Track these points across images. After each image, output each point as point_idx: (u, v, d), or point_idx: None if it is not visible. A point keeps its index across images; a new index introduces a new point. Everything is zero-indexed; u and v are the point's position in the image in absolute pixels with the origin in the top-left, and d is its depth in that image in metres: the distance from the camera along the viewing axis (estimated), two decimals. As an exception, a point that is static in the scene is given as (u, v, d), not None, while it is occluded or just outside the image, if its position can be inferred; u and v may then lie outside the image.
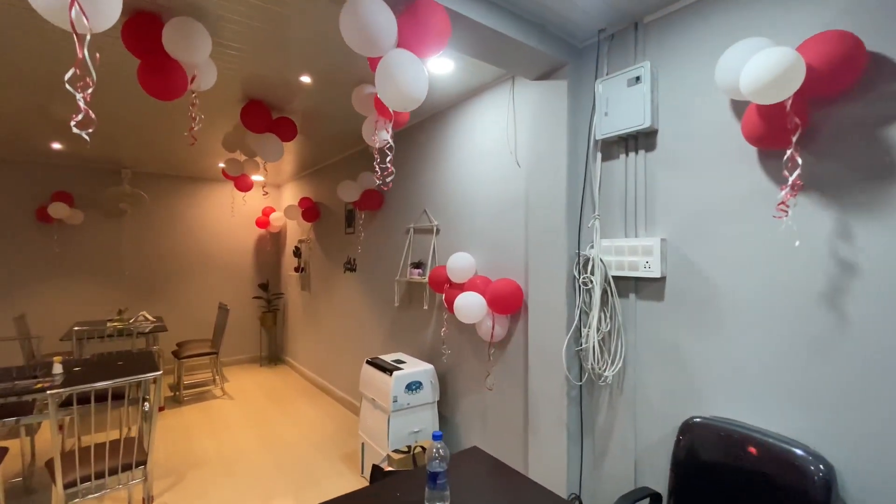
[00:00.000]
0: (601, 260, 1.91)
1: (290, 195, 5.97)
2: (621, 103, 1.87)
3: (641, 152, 1.87)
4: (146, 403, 2.66)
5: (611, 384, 1.95)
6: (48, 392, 1.93)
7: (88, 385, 2.03)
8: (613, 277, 1.91)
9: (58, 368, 2.74)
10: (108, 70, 2.51)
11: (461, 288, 2.68)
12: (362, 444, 2.98)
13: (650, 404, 1.82)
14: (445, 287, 2.75)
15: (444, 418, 2.93)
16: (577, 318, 2.03)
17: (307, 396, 4.74)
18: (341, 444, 3.53)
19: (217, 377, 5.07)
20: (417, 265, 3.17)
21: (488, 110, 2.67)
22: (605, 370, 1.91)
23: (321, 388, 4.89)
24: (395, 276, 3.53)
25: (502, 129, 2.58)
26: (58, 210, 4.59)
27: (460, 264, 2.64)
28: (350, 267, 4.31)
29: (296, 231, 5.78)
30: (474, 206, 2.76)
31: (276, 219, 5.96)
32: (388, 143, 2.61)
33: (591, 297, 1.95)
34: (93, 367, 2.92)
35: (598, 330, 1.90)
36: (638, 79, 1.82)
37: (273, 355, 6.31)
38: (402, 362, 2.93)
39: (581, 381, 2.04)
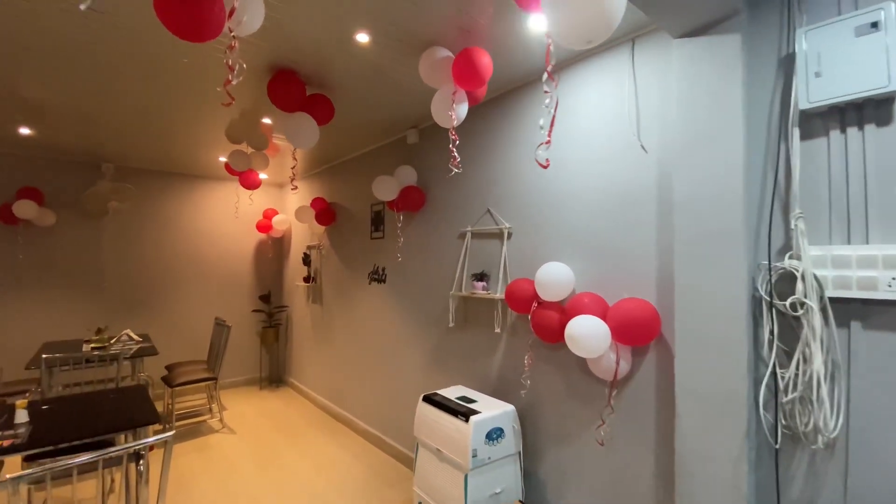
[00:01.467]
0: (814, 275, 1.37)
1: (296, 196, 5.31)
2: (845, 60, 1.35)
3: (870, 126, 1.35)
4: (141, 463, 2.00)
5: (818, 446, 1.41)
6: (7, 478, 1.27)
7: (64, 462, 1.38)
8: (830, 299, 1.38)
9: (22, 416, 2.05)
10: (88, 41, 1.89)
11: (558, 309, 2.12)
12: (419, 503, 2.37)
13: (881, 475, 1.29)
14: (534, 306, 2.19)
15: (527, 474, 2.35)
16: (769, 353, 1.49)
17: (321, 428, 4.07)
18: (380, 495, 2.89)
19: (214, 405, 4.36)
20: (480, 277, 2.59)
21: (590, 84, 2.14)
22: (820, 427, 1.37)
23: (336, 417, 4.23)
24: (446, 289, 2.94)
25: (614, 107, 2.04)
26: (25, 209, 3.84)
27: (555, 277, 2.08)
28: (378, 277, 3.70)
29: (303, 236, 5.12)
30: (569, 205, 2.21)
31: (280, 222, 5.29)
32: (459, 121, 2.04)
33: (798, 324, 1.41)
34: (68, 410, 2.23)
35: (820, 372, 1.35)
36: (874, 25, 1.30)
37: (274, 376, 5.60)
38: (472, 401, 2.34)
39: (776, 440, 1.49)
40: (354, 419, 3.96)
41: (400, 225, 3.35)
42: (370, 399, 3.75)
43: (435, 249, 3.07)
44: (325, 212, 4.37)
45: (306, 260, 4.83)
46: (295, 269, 5.30)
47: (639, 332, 1.77)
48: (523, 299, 2.23)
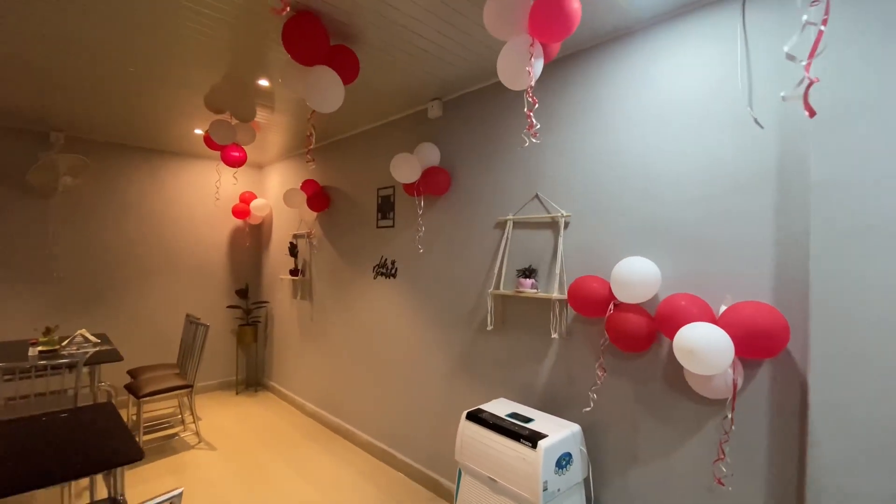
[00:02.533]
0: None
1: (279, 179, 4.74)
2: None
3: None
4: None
5: None
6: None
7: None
8: None
9: (-57, 457, 1.51)
10: None
11: (642, 313, 1.79)
12: (462, 540, 2.00)
13: None
14: (610, 309, 1.85)
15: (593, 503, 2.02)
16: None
17: (315, 440, 3.61)
18: (400, 524, 2.50)
19: (187, 415, 3.80)
20: (528, 273, 2.23)
21: (681, 48, 1.80)
22: None
23: (330, 426, 3.78)
24: (477, 286, 2.56)
25: (714, 75, 1.72)
26: (-54, 183, 3.12)
27: (641, 276, 1.75)
28: (386, 271, 3.26)
29: (288, 223, 4.58)
30: (652, 191, 1.88)
31: (259, 207, 4.72)
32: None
33: None
34: (15, 442, 1.69)
35: None
36: None
37: (252, 380, 5.04)
38: (527, 419, 1.98)
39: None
40: (354, 430, 3.52)
41: (421, 212, 2.92)
42: (374, 408, 3.32)
43: (463, 240, 2.68)
44: (317, 196, 3.87)
45: (293, 251, 4.30)
46: (277, 261, 4.75)
47: (767, 343, 1.46)
48: (594, 300, 1.89)
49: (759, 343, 1.46)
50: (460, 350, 2.66)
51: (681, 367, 1.77)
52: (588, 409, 2.01)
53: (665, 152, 1.84)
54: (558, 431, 1.84)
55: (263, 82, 2.66)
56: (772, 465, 1.55)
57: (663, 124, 1.84)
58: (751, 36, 1.64)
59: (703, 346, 1.44)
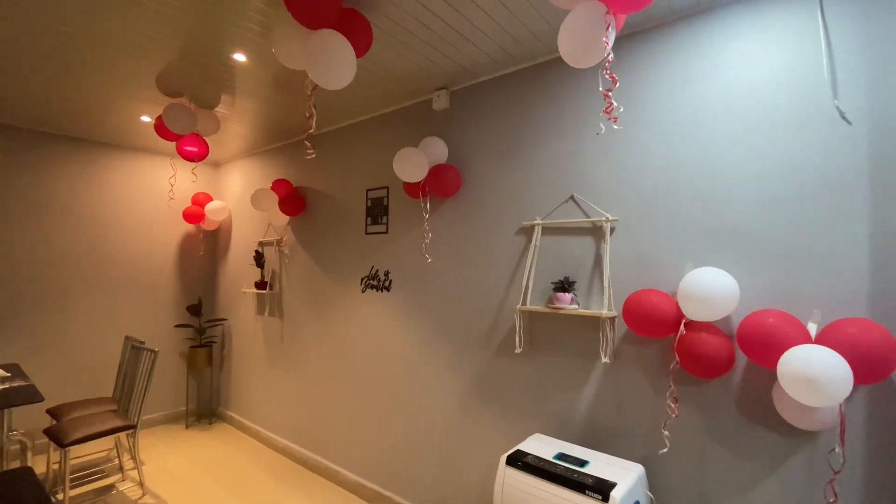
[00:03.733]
0: None
1: (240, 179, 4.18)
2: None
3: None
4: None
5: None
6: None
7: None
8: None
9: None
10: None
11: (718, 333, 1.55)
12: None
13: None
14: (681, 330, 1.58)
15: (654, 553, 1.73)
16: None
17: (286, 480, 3.09)
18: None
19: (126, 459, 3.14)
20: (565, 287, 1.93)
21: (750, 33, 1.59)
22: None
23: (307, 464, 3.27)
24: (497, 301, 2.23)
25: (790, 63, 1.52)
26: None
27: (717, 290, 1.50)
28: (378, 284, 2.85)
29: (252, 229, 4.01)
30: (718, 193, 1.65)
31: (216, 210, 4.12)
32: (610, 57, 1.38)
33: None
34: None
35: None
36: None
37: (206, 410, 4.36)
38: (581, 461, 1.66)
39: None
40: (337, 468, 3.04)
41: (427, 216, 2.55)
42: (364, 442, 2.88)
43: (478, 248, 2.34)
44: (291, 198, 3.38)
45: (259, 260, 3.75)
46: (237, 272, 4.16)
47: (882, 367, 1.25)
48: (658, 319, 1.62)
49: (874, 367, 1.25)
50: (476, 375, 2.31)
51: (761, 394, 1.53)
52: (665, 450, 1.71)
53: (732, 149, 1.62)
54: (625, 476, 1.54)
55: (239, 57, 2.19)
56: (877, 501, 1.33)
57: (728, 118, 1.62)
58: (831, 23, 1.45)
59: (824, 374, 1.20)
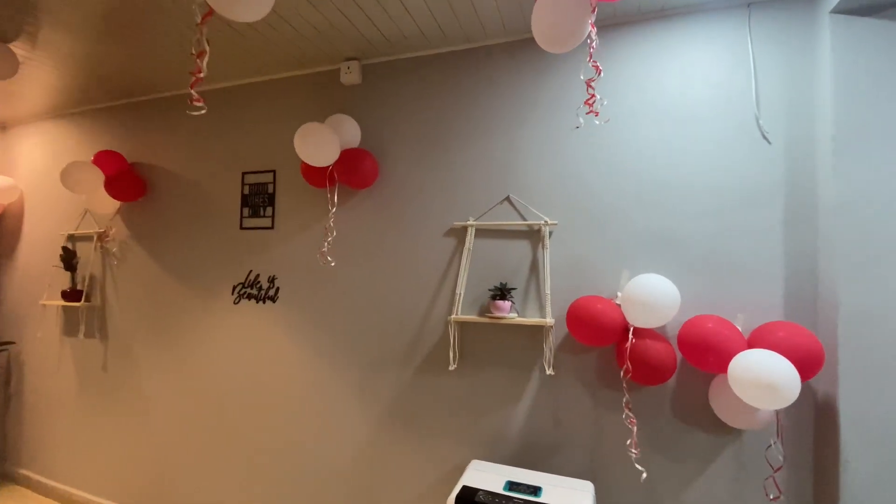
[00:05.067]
0: None
1: (41, 149, 3.01)
2: None
3: None
4: None
5: None
6: None
7: None
8: None
9: None
10: None
11: (662, 339, 1.55)
12: None
13: None
14: (630, 338, 1.53)
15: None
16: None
17: (120, 563, 2.26)
18: None
19: None
20: (503, 293, 1.76)
21: (694, 44, 1.66)
22: None
23: (147, 531, 2.45)
24: (423, 311, 1.94)
25: (724, 79, 1.62)
26: None
27: (662, 296, 1.50)
28: (259, 293, 2.28)
29: (58, 216, 2.90)
30: (659, 198, 1.67)
31: (1, 190, 2.90)
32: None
33: None
34: None
35: None
36: None
37: (-37, 475, 2.99)
38: (534, 488, 1.49)
39: None
40: (194, 532, 2.33)
41: (333, 210, 2.09)
42: (238, 499, 2.25)
43: (397, 250, 2.02)
44: (125, 178, 2.53)
45: (70, 261, 2.71)
46: (32, 276, 2.96)
47: (812, 367, 1.36)
48: (604, 326, 1.55)
49: (806, 368, 1.36)
50: (395, 398, 1.97)
51: (694, 398, 1.59)
52: (645, 475, 1.62)
53: (673, 156, 1.66)
54: (582, 499, 1.42)
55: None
56: (810, 486, 1.47)
57: (670, 124, 1.66)
58: (756, 49, 1.59)
59: (781, 379, 1.25)
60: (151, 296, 2.55)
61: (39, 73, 2.36)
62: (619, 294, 1.66)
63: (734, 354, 1.37)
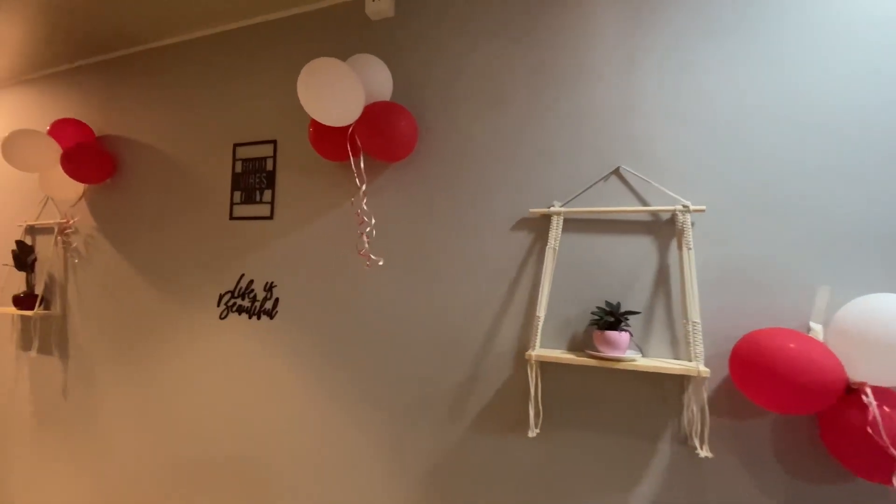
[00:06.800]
0: None
1: (1, 120, 2.48)
2: None
3: None
4: None
5: None
6: None
7: None
8: None
9: None
10: None
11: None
12: None
13: None
14: (870, 403, 0.87)
15: None
16: None
17: None
18: None
19: None
20: (615, 320, 1.11)
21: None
22: None
23: None
24: (480, 341, 1.32)
25: None
26: None
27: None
28: (253, 307, 1.68)
29: (13, 204, 2.37)
30: (878, 172, 1.01)
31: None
32: None
33: None
34: None
35: None
36: None
37: None
38: None
39: None
40: None
41: (364, 187, 1.47)
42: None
43: (443, 249, 1.40)
44: (88, 154, 1.96)
45: (24, 258, 2.16)
46: (-15, 277, 2.44)
47: None
48: (813, 382, 0.90)
49: None
50: (438, 466, 1.35)
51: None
52: None
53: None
54: None
55: None
56: None
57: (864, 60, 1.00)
58: None
59: None
60: (118, 304, 1.98)
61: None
62: (814, 325, 1.02)
63: None
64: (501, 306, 1.32)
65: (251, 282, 1.70)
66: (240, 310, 1.71)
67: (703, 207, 1.12)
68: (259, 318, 1.67)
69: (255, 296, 1.68)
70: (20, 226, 2.28)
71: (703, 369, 1.03)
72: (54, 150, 1.94)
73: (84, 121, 2.09)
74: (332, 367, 1.53)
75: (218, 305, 1.75)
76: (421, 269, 1.43)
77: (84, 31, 1.92)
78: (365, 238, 1.45)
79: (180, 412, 1.79)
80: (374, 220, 1.48)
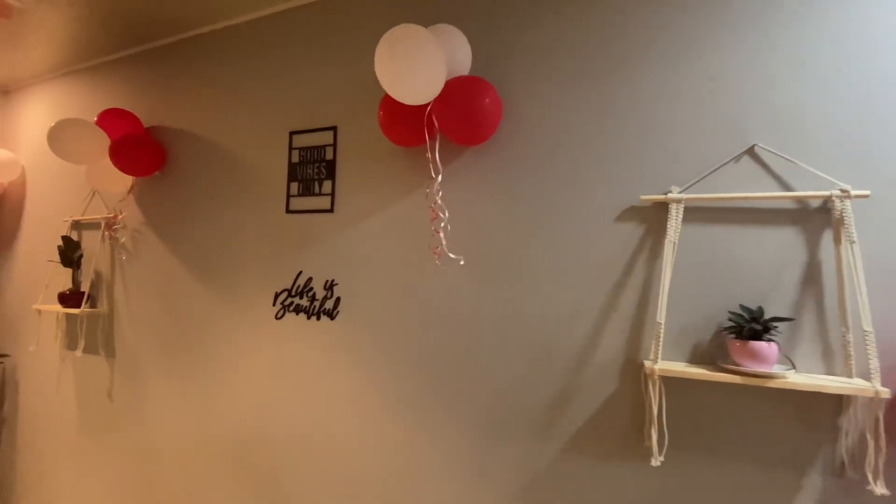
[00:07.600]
0: None
1: (45, 113, 2.44)
2: None
3: None
4: None
5: None
6: None
7: None
8: None
9: None
10: None
11: None
12: None
13: None
14: None
15: None
16: None
17: None
18: None
19: None
20: (762, 327, 0.93)
21: None
22: None
23: None
24: (580, 346, 1.15)
25: None
26: None
27: None
28: (312, 306, 1.56)
29: (59, 199, 2.31)
30: None
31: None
32: None
33: None
34: None
35: None
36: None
37: (-47, 515, 2.47)
38: None
39: None
40: None
41: (439, 178, 1.31)
42: None
43: (534, 243, 1.24)
44: (137, 145, 1.87)
45: (71, 255, 2.10)
46: (30, 274, 2.39)
47: None
48: None
49: None
50: (528, 489, 1.19)
51: None
52: None
53: None
54: None
55: None
56: None
57: None
58: None
59: None
60: (167, 302, 1.89)
61: (49, 15, 1.75)
62: None
63: None
64: (602, 310, 1.14)
65: (310, 279, 1.57)
66: (297, 309, 1.58)
67: (867, 192, 0.92)
68: (319, 318, 1.54)
69: (314, 295, 1.56)
70: (66, 221, 2.22)
71: (883, 389, 0.84)
72: (102, 141, 1.86)
73: (131, 110, 2.01)
74: (399, 376, 1.39)
75: (273, 304, 1.63)
76: (502, 267, 1.27)
77: (128, 20, 1.84)
78: (441, 234, 1.30)
79: (233, 418, 1.68)
80: (447, 214, 1.32)
